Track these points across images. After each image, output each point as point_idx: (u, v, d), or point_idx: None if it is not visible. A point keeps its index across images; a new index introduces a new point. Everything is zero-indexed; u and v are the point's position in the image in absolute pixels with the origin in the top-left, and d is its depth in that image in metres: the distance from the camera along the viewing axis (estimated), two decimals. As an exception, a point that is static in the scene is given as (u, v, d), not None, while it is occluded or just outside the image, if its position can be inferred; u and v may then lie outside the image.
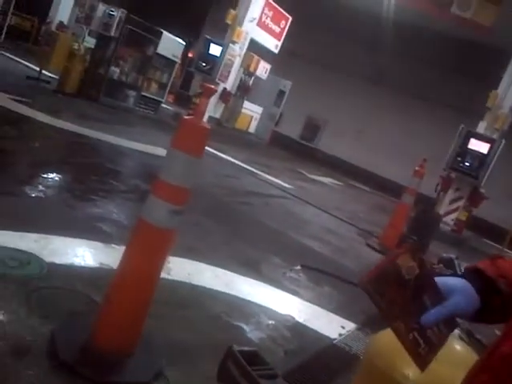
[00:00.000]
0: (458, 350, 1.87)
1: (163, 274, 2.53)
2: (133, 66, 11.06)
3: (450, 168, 9.67)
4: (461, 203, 9.68)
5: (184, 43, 12.68)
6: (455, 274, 0.89)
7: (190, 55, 19.77)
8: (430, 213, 8.26)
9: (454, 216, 9.65)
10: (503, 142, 10.63)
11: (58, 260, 2.77)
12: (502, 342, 0.73)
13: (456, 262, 6.53)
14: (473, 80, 15.11)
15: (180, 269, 3.25)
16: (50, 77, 10.71)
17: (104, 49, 10.41)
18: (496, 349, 0.74)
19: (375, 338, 1.85)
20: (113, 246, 3.24)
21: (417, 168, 6.62)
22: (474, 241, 10.78)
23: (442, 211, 9.41)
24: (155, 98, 12.34)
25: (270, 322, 3.06)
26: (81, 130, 6.84)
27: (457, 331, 3.60)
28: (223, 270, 3.57)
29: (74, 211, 3.76)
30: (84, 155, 5.98)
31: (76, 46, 10.22)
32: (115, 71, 10.63)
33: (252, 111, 16.96)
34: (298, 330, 3.11)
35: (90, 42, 12.05)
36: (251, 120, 17.03)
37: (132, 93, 11.16)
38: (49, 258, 2.74)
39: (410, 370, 1.55)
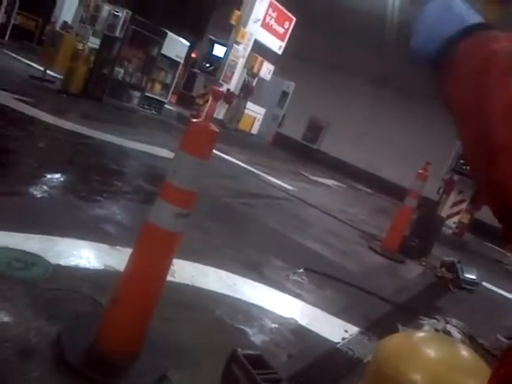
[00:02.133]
0: (463, 355, 1.88)
1: (168, 277, 2.54)
2: (137, 66, 11.09)
3: (453, 171, 9.65)
4: (463, 206, 9.66)
5: (188, 44, 12.69)
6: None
7: (193, 55, 19.80)
8: (432, 216, 8.25)
9: (456, 219, 9.63)
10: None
11: (63, 262, 2.79)
12: None
13: (458, 265, 6.51)
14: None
15: (184, 271, 3.26)
16: (54, 77, 10.74)
17: (108, 49, 10.45)
18: None
19: (382, 344, 1.86)
20: (117, 247, 3.25)
21: (420, 171, 6.59)
22: (475, 244, 10.77)
23: (444, 214, 9.40)
24: (159, 98, 12.36)
25: (274, 325, 3.07)
26: (85, 131, 6.86)
27: (459, 336, 3.61)
28: (226, 273, 3.58)
29: (79, 212, 3.77)
30: (88, 156, 6.00)
31: (80, 47, 10.24)
32: (119, 72, 10.66)
33: (255, 112, 16.97)
34: (301, 333, 3.12)
35: (94, 43, 12.09)
36: (254, 121, 17.04)
37: (136, 93, 11.18)
38: (54, 259, 2.76)
39: (418, 376, 1.57)
